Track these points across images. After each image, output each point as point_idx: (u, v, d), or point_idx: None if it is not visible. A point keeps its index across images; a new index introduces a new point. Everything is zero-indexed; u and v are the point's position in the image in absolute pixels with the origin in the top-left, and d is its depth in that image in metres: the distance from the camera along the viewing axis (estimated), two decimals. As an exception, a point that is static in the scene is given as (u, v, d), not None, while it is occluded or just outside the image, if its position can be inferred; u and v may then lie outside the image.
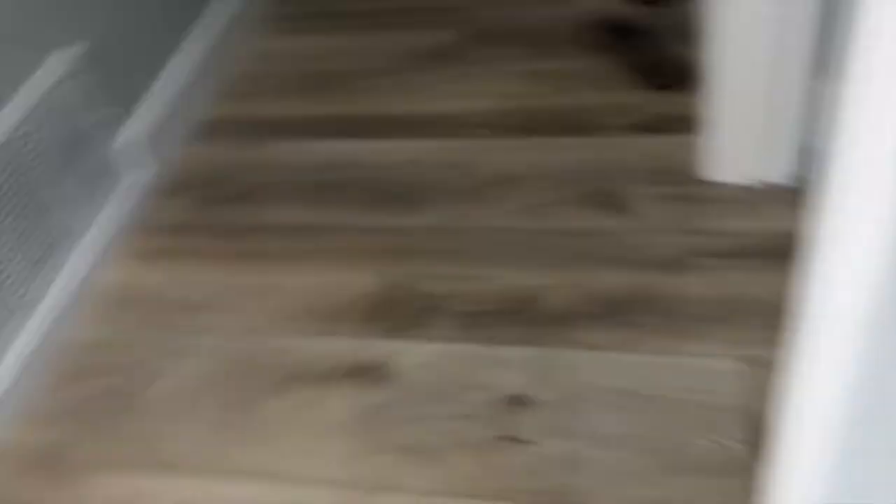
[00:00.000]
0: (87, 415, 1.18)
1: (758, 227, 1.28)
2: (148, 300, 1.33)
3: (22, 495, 1.09)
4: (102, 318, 1.32)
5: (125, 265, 1.40)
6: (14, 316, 1.19)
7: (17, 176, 1.19)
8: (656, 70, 1.59)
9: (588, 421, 1.07)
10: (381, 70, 1.77)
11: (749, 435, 1.02)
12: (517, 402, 1.10)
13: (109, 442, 1.14)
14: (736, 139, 1.30)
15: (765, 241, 1.25)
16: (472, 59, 1.75)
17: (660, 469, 1.00)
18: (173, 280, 1.36)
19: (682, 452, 1.02)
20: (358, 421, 1.11)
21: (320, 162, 1.56)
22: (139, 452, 1.12)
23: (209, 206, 1.50)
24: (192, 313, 1.30)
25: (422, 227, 1.38)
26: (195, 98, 1.69)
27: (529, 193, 1.41)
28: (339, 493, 1.04)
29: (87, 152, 1.34)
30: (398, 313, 1.24)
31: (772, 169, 1.32)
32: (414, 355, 1.18)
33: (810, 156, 1.26)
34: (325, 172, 1.53)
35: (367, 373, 1.17)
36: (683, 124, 1.48)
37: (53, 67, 1.26)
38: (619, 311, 1.19)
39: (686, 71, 1.58)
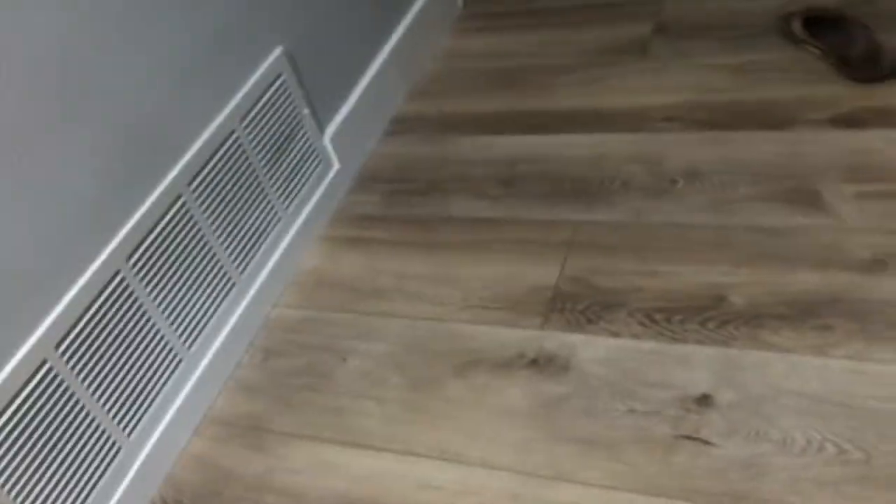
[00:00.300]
0: (285, 389, 1.27)
1: (974, 229, 1.18)
2: (342, 285, 1.42)
3: (223, 462, 1.20)
4: (302, 301, 1.42)
5: (323, 252, 1.50)
6: (231, 293, 1.31)
7: (239, 164, 1.31)
8: (859, 61, 1.49)
9: (774, 425, 1.03)
10: (569, 66, 1.77)
11: (957, 451, 0.95)
12: (701, 401, 1.08)
13: (303, 415, 1.23)
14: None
15: (982, 244, 1.16)
16: (664, 52, 1.72)
17: (853, 480, 0.96)
18: (364, 267, 1.45)
19: (881, 465, 0.96)
20: (537, 410, 1.13)
21: (505, 156, 1.59)
22: (330, 427, 1.20)
23: (398, 198, 1.57)
24: (380, 298, 1.37)
25: (606, 222, 1.38)
26: (389, 96, 1.78)
27: (718, 189, 1.38)
28: (516, 479, 1.06)
29: (297, 146, 1.44)
30: (580, 307, 1.25)
31: None
32: (595, 349, 1.19)
33: None
34: (510, 167, 1.56)
35: (548, 364, 1.19)
36: (889, 118, 1.39)
37: (269, 67, 1.37)
38: (811, 313, 1.14)
39: (893, 62, 1.48)
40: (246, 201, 1.34)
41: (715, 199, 1.36)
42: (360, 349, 1.30)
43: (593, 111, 1.63)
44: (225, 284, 1.30)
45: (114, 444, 1.11)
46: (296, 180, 1.47)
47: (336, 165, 1.58)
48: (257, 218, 1.37)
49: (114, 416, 1.11)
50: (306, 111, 1.48)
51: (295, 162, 1.46)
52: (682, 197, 1.38)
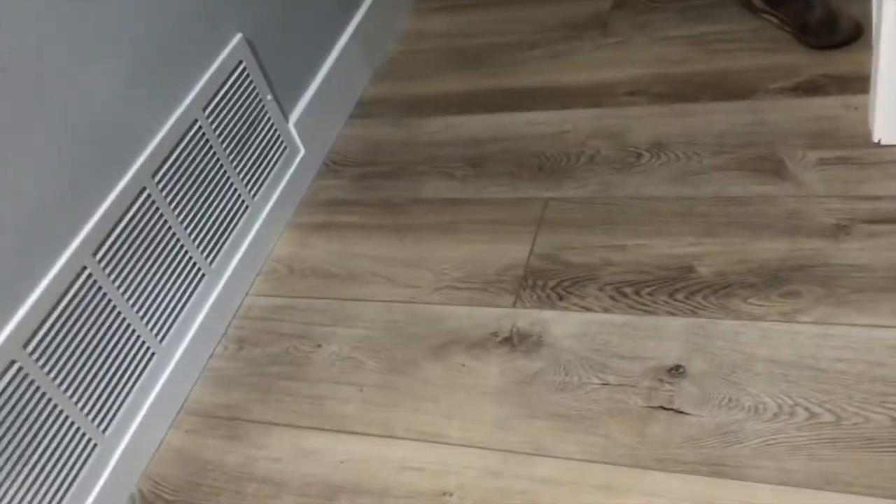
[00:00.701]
0: (261, 378, 1.27)
1: (934, 192, 1.21)
2: (314, 271, 1.42)
3: (203, 453, 1.20)
4: (274, 289, 1.41)
5: (293, 238, 1.49)
6: (201, 284, 1.30)
7: (203, 153, 1.29)
8: (817, 29, 1.51)
9: (746, 392, 1.05)
10: (531, 43, 1.77)
11: (923, 409, 0.97)
12: (673, 372, 1.10)
13: (281, 403, 1.22)
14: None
15: (942, 205, 1.18)
16: (625, 27, 1.72)
17: (826, 442, 0.98)
18: (336, 252, 1.44)
19: (850, 426, 0.99)
20: (514, 388, 1.14)
21: (471, 136, 1.59)
22: (309, 414, 1.20)
23: (367, 182, 1.57)
24: (354, 283, 1.37)
25: (574, 198, 1.39)
26: (353, 79, 1.76)
27: (683, 161, 1.39)
28: (496, 456, 1.07)
29: (260, 133, 1.43)
30: (551, 284, 1.26)
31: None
32: (568, 325, 1.20)
33: None
34: (477, 146, 1.56)
35: (522, 341, 1.20)
36: (848, 84, 1.41)
37: (229, 54, 1.35)
38: (779, 280, 1.16)
39: (852, 28, 1.50)
40: (212, 191, 1.33)
41: (680, 171, 1.37)
42: (335, 335, 1.30)
43: (557, 88, 1.63)
44: (195, 276, 1.29)
45: (89, 441, 1.11)
46: (262, 167, 1.45)
47: (302, 151, 1.57)
48: (225, 207, 1.36)
49: (87, 414, 1.10)
50: (269, 97, 1.46)
51: (260, 149, 1.45)
52: (647, 170, 1.39)
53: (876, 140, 1.30)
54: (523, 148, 1.52)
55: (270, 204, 1.48)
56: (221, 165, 1.35)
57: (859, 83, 1.39)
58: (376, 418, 1.17)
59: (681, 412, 1.05)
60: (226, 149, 1.36)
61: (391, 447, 1.13)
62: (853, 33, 1.49)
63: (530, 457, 1.06)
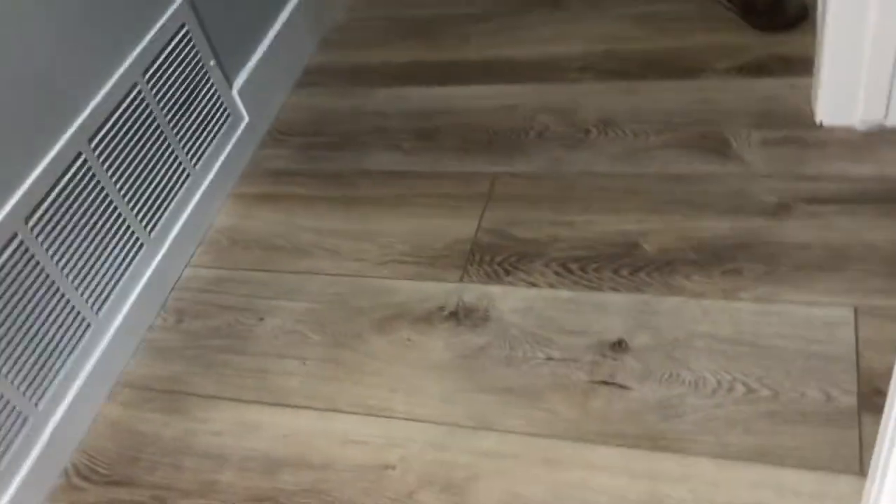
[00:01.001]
0: (201, 351, 1.24)
1: (872, 173, 1.23)
2: (257, 243, 1.39)
3: (140, 427, 1.17)
4: (215, 260, 1.38)
5: (236, 209, 1.46)
6: (140, 254, 1.26)
7: (143, 119, 1.25)
8: (765, 10, 1.52)
9: (687, 367, 1.07)
10: (482, 15, 1.75)
11: (859, 385, 1.00)
12: (616, 347, 1.11)
13: (222, 377, 1.20)
14: (851, 79, 1.25)
15: (880, 186, 1.21)
16: (577, 2, 1.71)
17: (763, 416, 1.00)
18: (280, 223, 1.41)
19: (786, 401, 1.01)
20: (459, 362, 1.14)
21: (419, 108, 1.57)
22: (250, 387, 1.18)
23: (312, 152, 1.54)
24: (298, 255, 1.35)
25: (522, 173, 1.39)
26: (299, 46, 1.73)
27: (631, 138, 1.39)
28: (440, 430, 1.07)
29: (203, 100, 1.39)
30: (498, 259, 1.26)
31: (893, 111, 1.26)
32: (514, 300, 1.20)
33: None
34: (425, 118, 1.55)
35: (467, 316, 1.19)
36: (793, 66, 1.43)
37: (171, 16, 1.30)
38: (721, 258, 1.18)
39: (798, 11, 1.52)
40: (152, 158, 1.29)
41: (627, 148, 1.38)
42: (278, 308, 1.28)
43: (507, 61, 1.62)
44: (133, 245, 1.26)
45: (20, 414, 1.07)
46: (204, 135, 1.41)
47: (246, 119, 1.53)
48: (165, 175, 1.32)
49: (19, 386, 1.06)
50: (212, 62, 1.42)
51: (202, 116, 1.41)
52: (595, 146, 1.40)
53: (818, 121, 1.32)
54: (472, 122, 1.51)
55: (212, 173, 1.44)
56: (162, 132, 1.31)
57: (804, 65, 1.41)
58: (320, 392, 1.15)
59: (623, 386, 1.07)
60: (167, 115, 1.32)
61: (335, 421, 1.11)
62: (799, 16, 1.51)
63: (474, 430, 1.06)
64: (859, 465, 0.94)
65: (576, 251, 1.24)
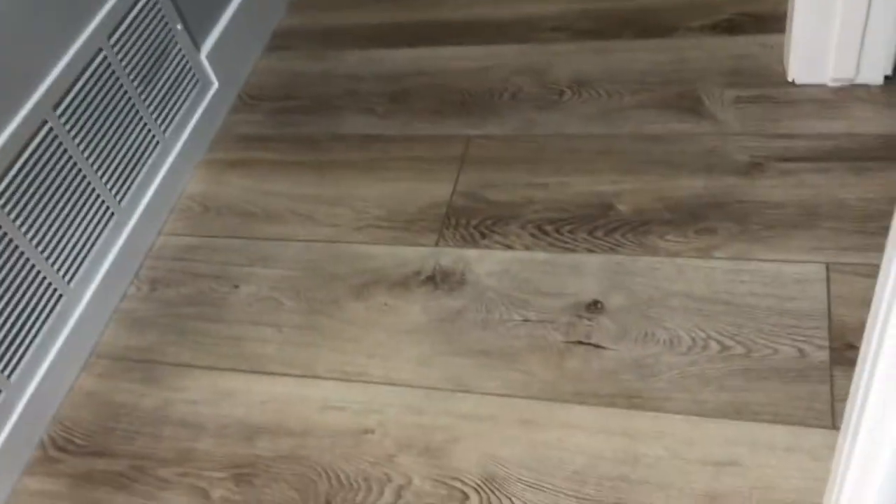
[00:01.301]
0: (176, 319, 1.23)
1: (845, 130, 1.24)
2: (230, 209, 1.37)
3: (116, 397, 1.16)
4: (187, 228, 1.36)
5: (207, 175, 1.44)
6: (110, 223, 1.24)
7: (110, 85, 1.22)
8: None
9: (662, 326, 1.07)
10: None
11: (832, 341, 1.01)
12: (591, 308, 1.11)
13: (198, 345, 1.20)
14: (823, 37, 1.25)
15: (852, 143, 1.22)
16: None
17: (736, 373, 1.01)
18: (252, 189, 1.40)
19: (759, 357, 1.02)
20: (436, 326, 1.14)
21: (392, 71, 1.55)
22: (227, 355, 1.18)
23: (284, 117, 1.52)
24: (271, 222, 1.34)
25: (496, 135, 1.38)
26: (268, 8, 1.69)
27: (604, 98, 1.39)
28: (418, 394, 1.08)
29: (170, 65, 1.36)
30: (474, 222, 1.25)
31: (864, 69, 1.26)
32: (490, 263, 1.20)
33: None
34: (398, 81, 1.53)
35: (444, 279, 1.19)
36: (766, 24, 1.43)
37: (129, -20, 1.27)
38: (695, 217, 1.18)
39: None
40: (120, 125, 1.27)
41: (601, 109, 1.37)
42: (253, 275, 1.27)
43: (480, 22, 1.60)
44: (103, 214, 1.24)
45: (-6, 387, 1.06)
46: (173, 101, 1.39)
47: (215, 84, 1.51)
48: (133, 142, 1.30)
49: (-9, 359, 1.05)
50: (179, 26, 1.39)
51: (171, 82, 1.38)
52: (569, 107, 1.39)
53: (790, 79, 1.32)
54: (445, 84, 1.50)
55: (183, 139, 1.42)
56: (129, 98, 1.28)
57: (776, 23, 1.41)
58: (297, 358, 1.15)
59: (599, 346, 1.07)
60: (133, 81, 1.29)
61: (312, 387, 1.11)
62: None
63: (452, 393, 1.07)
64: (831, 418, 0.95)
65: (550, 213, 1.24)
